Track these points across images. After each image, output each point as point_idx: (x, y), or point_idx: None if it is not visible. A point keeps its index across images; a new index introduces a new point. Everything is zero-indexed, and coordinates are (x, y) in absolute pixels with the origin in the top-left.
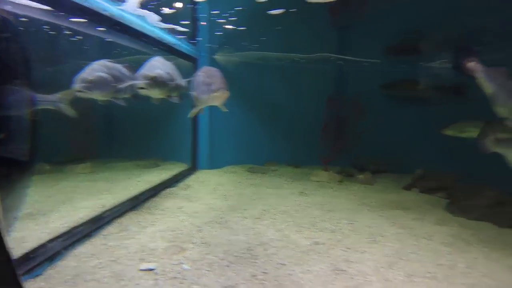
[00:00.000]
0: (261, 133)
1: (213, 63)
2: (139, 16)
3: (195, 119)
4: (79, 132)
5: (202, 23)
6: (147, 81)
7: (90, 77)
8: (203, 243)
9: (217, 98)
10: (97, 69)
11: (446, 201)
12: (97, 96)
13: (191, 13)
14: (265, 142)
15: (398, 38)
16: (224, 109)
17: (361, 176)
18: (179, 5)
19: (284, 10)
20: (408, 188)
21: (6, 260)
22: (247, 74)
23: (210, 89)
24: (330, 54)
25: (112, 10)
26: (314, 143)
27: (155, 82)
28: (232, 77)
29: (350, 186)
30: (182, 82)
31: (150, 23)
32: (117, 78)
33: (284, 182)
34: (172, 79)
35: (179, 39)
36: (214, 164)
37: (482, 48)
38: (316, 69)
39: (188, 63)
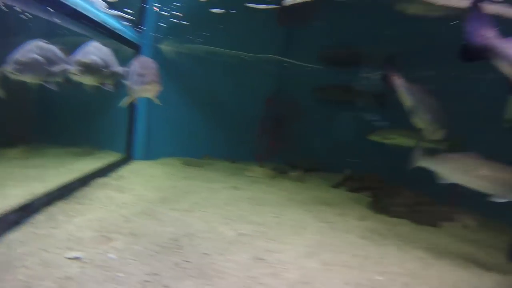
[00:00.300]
0: (200, 126)
1: (157, 52)
2: None
3: (132, 108)
4: (12, 114)
5: (154, 7)
6: (79, 67)
7: (22, 59)
8: (130, 234)
9: (149, 90)
10: (31, 50)
11: (370, 199)
12: (29, 78)
13: None
14: (204, 136)
15: (331, 48)
16: (157, 102)
17: (293, 174)
18: None
19: (224, 10)
20: (336, 186)
21: None
22: (192, 67)
23: (142, 81)
24: (275, 56)
25: None
26: (251, 140)
27: (88, 68)
28: (175, 68)
29: (282, 183)
30: (119, 69)
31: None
32: (51, 61)
33: (219, 177)
34: (107, 66)
35: (124, 25)
36: (150, 155)
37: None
38: (261, 69)
39: (131, 50)
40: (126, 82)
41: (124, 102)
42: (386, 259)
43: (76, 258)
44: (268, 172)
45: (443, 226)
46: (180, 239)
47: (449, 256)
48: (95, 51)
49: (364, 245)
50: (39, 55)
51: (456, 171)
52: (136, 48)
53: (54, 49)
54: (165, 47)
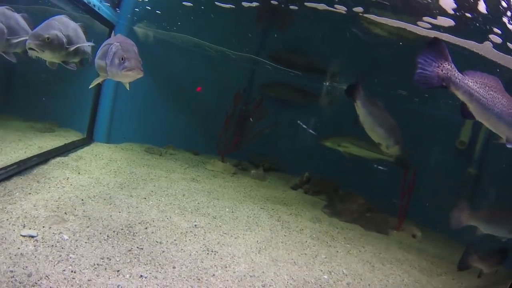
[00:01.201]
0: (165, 114)
1: (131, 33)
2: None
3: (99, 87)
4: None
5: None
6: (39, 42)
7: None
8: (84, 216)
9: (129, 76)
10: None
11: (325, 203)
12: None
13: None
14: (168, 125)
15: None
16: (127, 87)
17: (253, 171)
18: None
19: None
20: (295, 188)
21: None
22: (164, 54)
23: (123, 65)
24: (246, 54)
25: None
26: (215, 134)
27: (48, 44)
28: (147, 53)
29: (241, 179)
30: (86, 47)
31: None
32: (13, 31)
33: (179, 167)
34: (70, 43)
35: (100, 1)
36: (112, 138)
37: None
38: (233, 65)
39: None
40: (99, 62)
41: (94, 82)
42: (334, 260)
43: (31, 236)
44: (229, 167)
45: (392, 234)
46: (134, 226)
47: (395, 261)
48: (59, 25)
49: (314, 245)
50: (2, 22)
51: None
52: (110, 27)
53: (17, 17)
54: (139, 29)
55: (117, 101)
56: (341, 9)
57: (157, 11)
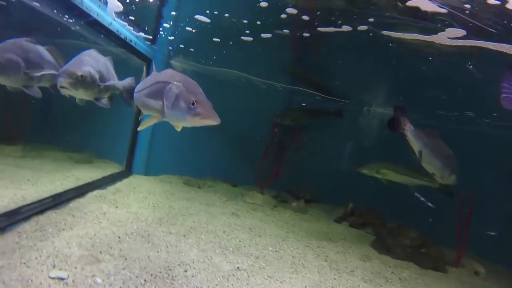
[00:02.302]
0: (203, 146)
1: (168, 68)
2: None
3: (136, 120)
4: (13, 110)
5: (165, 24)
6: (71, 80)
7: None
8: (121, 256)
9: (201, 124)
10: (7, 49)
11: (373, 237)
12: (3, 81)
13: (156, 11)
14: (206, 156)
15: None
16: (179, 129)
17: (294, 204)
18: None
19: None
20: (338, 221)
21: None
22: (200, 86)
23: (195, 111)
24: (280, 84)
25: None
26: (253, 164)
27: (82, 82)
28: None
29: (282, 213)
30: (118, 84)
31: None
32: (34, 64)
33: (218, 200)
34: (102, 79)
35: (137, 36)
36: (150, 170)
37: None
38: (270, 94)
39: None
40: (151, 102)
41: (145, 125)
42: None
43: (60, 279)
44: (269, 200)
45: (450, 271)
46: (173, 268)
47: None
48: (91, 61)
49: None
50: (17, 55)
51: None
52: (147, 61)
53: (39, 50)
54: (176, 63)
55: (155, 132)
56: (362, 28)
57: (190, 49)
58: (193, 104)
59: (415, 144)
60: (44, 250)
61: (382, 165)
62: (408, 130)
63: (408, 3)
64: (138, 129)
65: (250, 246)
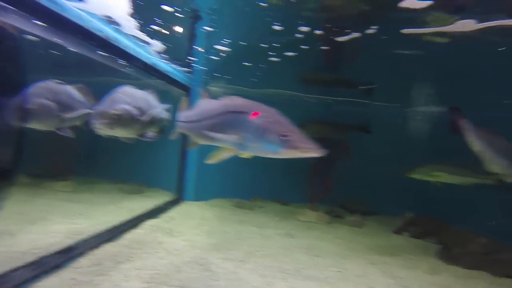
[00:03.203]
0: (249, 167)
1: (207, 94)
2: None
3: (184, 148)
4: (62, 145)
5: (199, 49)
6: (105, 121)
7: (26, 105)
8: (180, 287)
9: (299, 156)
10: (39, 93)
11: (437, 246)
12: (37, 126)
13: (188, 40)
14: (253, 177)
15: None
16: (247, 155)
17: (349, 218)
18: (179, 29)
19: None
20: (398, 232)
21: None
22: None
23: (289, 143)
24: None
25: (108, 31)
26: (302, 180)
27: (117, 121)
28: None
29: (338, 228)
30: (163, 113)
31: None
32: (65, 105)
33: (270, 220)
34: (143, 113)
35: (174, 67)
36: (200, 195)
37: None
38: (310, 108)
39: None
40: (215, 134)
41: (215, 158)
42: None
43: None
44: (323, 216)
45: None
46: None
47: None
48: (126, 98)
49: None
50: (48, 99)
51: None
52: (186, 90)
53: (68, 91)
54: (214, 88)
55: (202, 158)
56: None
57: (226, 76)
58: (284, 136)
59: (477, 144)
60: (101, 285)
61: (433, 167)
62: (468, 130)
63: None
64: (207, 162)
65: (310, 268)
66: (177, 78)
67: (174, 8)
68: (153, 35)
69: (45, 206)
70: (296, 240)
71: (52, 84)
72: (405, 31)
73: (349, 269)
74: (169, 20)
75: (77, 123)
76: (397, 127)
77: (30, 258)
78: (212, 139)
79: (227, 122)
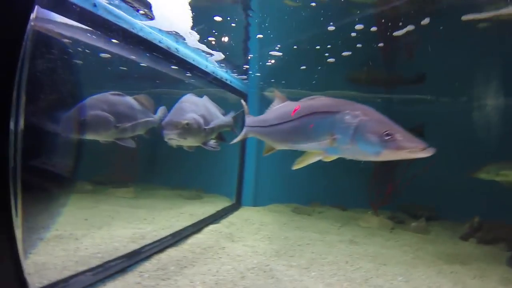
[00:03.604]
0: (307, 172)
1: (263, 99)
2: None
3: (243, 153)
4: (122, 154)
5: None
6: (178, 131)
7: (81, 118)
8: None
9: (403, 157)
10: (93, 105)
11: (508, 253)
12: (94, 137)
13: (242, 47)
14: (311, 182)
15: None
16: (320, 158)
17: (414, 224)
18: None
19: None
20: (465, 238)
21: None
22: None
23: (393, 143)
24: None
25: (168, 42)
26: (362, 184)
27: (189, 130)
28: None
29: (402, 235)
30: (226, 119)
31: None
32: (123, 116)
33: (331, 227)
34: (206, 122)
35: (230, 74)
36: (258, 201)
37: None
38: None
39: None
40: (300, 137)
41: (306, 162)
42: None
43: None
44: (385, 222)
45: None
46: None
47: None
48: (192, 107)
49: None
50: (104, 110)
51: None
52: (243, 96)
53: (126, 102)
54: (270, 93)
55: (260, 163)
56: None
57: (282, 82)
58: (388, 135)
59: None
60: None
61: (501, 166)
62: None
63: None
64: (294, 168)
65: (377, 277)
66: (235, 86)
67: (226, 18)
68: (213, 46)
69: (108, 211)
70: (360, 247)
71: (108, 96)
72: (465, 17)
73: (417, 278)
74: (223, 30)
75: (140, 132)
76: (461, 123)
77: (95, 262)
78: (296, 143)
79: (315, 124)
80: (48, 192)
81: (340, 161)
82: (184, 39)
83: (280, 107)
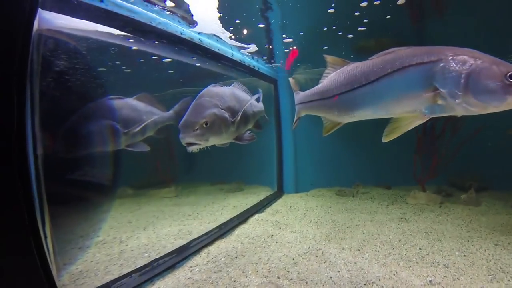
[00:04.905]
0: (346, 153)
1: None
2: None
3: (280, 140)
4: (161, 155)
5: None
6: (195, 133)
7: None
8: (300, 280)
9: None
10: (96, 114)
11: None
12: (103, 149)
13: (266, 34)
14: (351, 163)
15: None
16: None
17: (463, 196)
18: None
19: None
20: None
21: None
22: None
23: None
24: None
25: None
26: (405, 160)
27: (209, 129)
28: None
29: (453, 209)
30: (257, 106)
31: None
32: (129, 120)
33: (379, 206)
34: (235, 113)
35: (258, 61)
36: (300, 187)
37: None
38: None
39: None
40: (383, 99)
41: (399, 132)
42: None
43: None
44: (434, 197)
45: None
46: None
47: None
48: (213, 100)
49: None
50: (111, 118)
51: None
52: (273, 82)
53: (130, 104)
54: (298, 76)
55: (298, 149)
56: None
57: (308, 64)
58: (510, 77)
59: None
60: (220, 282)
61: None
62: None
63: None
64: (385, 140)
65: (433, 253)
66: (264, 72)
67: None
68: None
69: (152, 212)
70: (412, 225)
71: (107, 102)
72: None
73: (475, 252)
74: (247, 19)
75: (150, 133)
76: None
77: (142, 263)
78: (379, 111)
79: (406, 80)
80: (88, 202)
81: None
82: (220, 38)
83: (343, 72)
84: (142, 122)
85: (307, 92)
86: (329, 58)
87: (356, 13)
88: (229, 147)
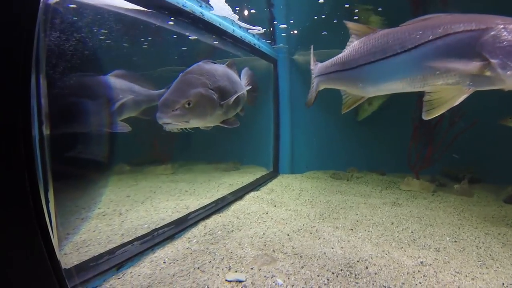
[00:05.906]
0: (342, 137)
1: (292, 64)
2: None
3: (277, 121)
4: (158, 134)
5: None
6: (175, 113)
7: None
8: (295, 254)
9: None
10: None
11: None
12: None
13: (268, 15)
14: (347, 147)
15: None
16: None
17: (457, 186)
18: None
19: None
20: (508, 201)
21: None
22: None
23: None
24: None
25: (193, 7)
26: (400, 148)
27: (192, 110)
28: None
29: (446, 198)
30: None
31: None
32: (106, 98)
33: (373, 190)
34: (226, 95)
35: (259, 39)
36: (295, 168)
37: None
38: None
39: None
40: (421, 70)
41: (443, 108)
42: None
43: (238, 281)
44: (427, 185)
45: None
46: (353, 265)
47: None
48: (202, 78)
49: None
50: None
51: None
52: (273, 62)
53: (102, 81)
54: (298, 57)
55: (294, 131)
56: None
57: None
58: None
59: None
60: (217, 252)
61: None
62: None
63: None
64: (427, 117)
65: (425, 237)
66: (264, 51)
67: None
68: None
69: (150, 187)
70: (405, 209)
71: (80, 78)
72: None
73: (465, 239)
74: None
75: (133, 114)
76: None
77: (142, 232)
78: (414, 83)
79: (449, 49)
80: (85, 178)
81: (377, 125)
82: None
83: (370, 40)
84: (118, 100)
85: (327, 62)
86: (350, 24)
87: None
88: (226, 128)
